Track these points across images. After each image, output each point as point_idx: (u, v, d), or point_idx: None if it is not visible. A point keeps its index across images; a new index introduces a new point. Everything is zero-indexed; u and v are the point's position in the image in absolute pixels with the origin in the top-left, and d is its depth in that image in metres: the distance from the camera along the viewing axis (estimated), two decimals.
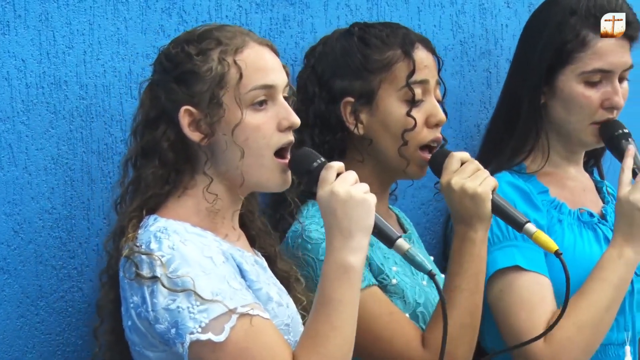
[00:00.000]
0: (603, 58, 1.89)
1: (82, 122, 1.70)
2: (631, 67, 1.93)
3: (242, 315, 1.43)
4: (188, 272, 1.43)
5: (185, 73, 1.52)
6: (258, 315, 1.45)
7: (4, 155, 1.62)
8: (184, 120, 1.51)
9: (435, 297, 1.77)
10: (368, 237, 1.48)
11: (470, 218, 1.68)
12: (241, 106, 1.51)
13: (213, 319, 1.41)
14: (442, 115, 1.77)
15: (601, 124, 1.91)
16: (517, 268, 1.84)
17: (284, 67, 1.58)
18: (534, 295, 1.83)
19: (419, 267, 1.49)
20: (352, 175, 1.49)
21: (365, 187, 1.49)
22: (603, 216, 1.99)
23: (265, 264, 1.62)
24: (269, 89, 1.53)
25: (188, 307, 1.42)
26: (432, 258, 1.91)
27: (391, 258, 1.78)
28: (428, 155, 1.77)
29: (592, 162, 2.08)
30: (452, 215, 1.73)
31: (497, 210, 1.69)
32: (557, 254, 1.64)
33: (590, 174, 2.07)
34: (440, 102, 1.80)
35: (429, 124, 1.76)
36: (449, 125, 2.01)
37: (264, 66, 1.53)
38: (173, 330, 1.43)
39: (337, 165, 1.51)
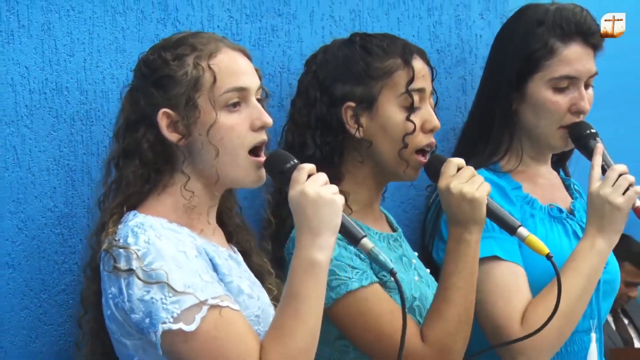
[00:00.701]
0: (570, 65, 1.92)
1: (82, 125, 1.72)
2: (596, 74, 1.95)
3: (213, 306, 1.45)
4: (162, 265, 1.45)
5: (163, 78, 1.54)
6: (228, 306, 1.46)
7: (8, 156, 1.64)
8: (162, 122, 1.54)
9: (428, 293, 1.79)
10: (335, 235, 1.50)
11: (467, 221, 1.70)
12: (215, 108, 1.53)
13: (185, 309, 1.44)
14: (436, 122, 1.80)
15: (570, 126, 1.93)
16: (495, 258, 1.85)
17: (257, 70, 1.60)
18: (510, 284, 1.85)
19: (382, 265, 1.50)
20: (322, 176, 1.51)
21: (334, 188, 1.51)
22: (571, 211, 2.01)
23: (240, 258, 1.64)
24: (242, 91, 1.55)
25: (161, 299, 1.44)
26: (416, 254, 1.92)
27: (388, 256, 1.80)
28: (423, 159, 1.79)
29: (559, 165, 2.09)
30: (448, 217, 1.74)
31: (492, 214, 1.72)
32: (548, 257, 1.66)
33: (557, 172, 2.09)
34: (433, 110, 1.82)
35: (424, 129, 1.78)
36: None
37: (237, 70, 1.55)
38: (147, 320, 1.45)
39: (309, 166, 1.52)
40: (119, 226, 1.52)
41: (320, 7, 2.00)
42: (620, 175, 1.86)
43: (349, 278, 1.69)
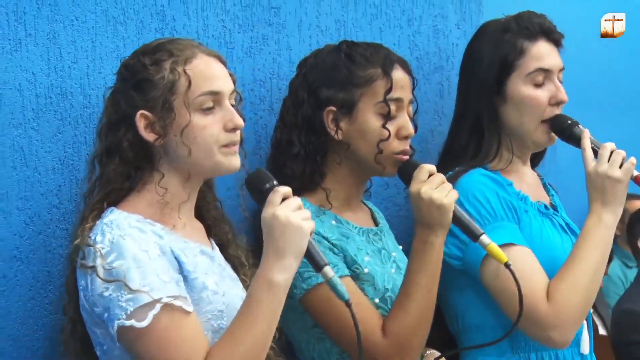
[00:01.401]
0: (541, 59, 1.95)
1: (85, 128, 1.73)
2: (563, 68, 1.98)
3: (167, 304, 1.46)
4: (122, 264, 1.47)
5: (142, 81, 1.56)
6: (181, 307, 1.48)
7: (16, 157, 1.66)
8: (140, 123, 1.56)
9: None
10: (299, 259, 1.50)
11: (434, 224, 1.72)
12: (190, 110, 1.54)
13: (138, 307, 1.45)
14: (411, 130, 1.82)
15: (551, 121, 1.96)
16: (509, 245, 1.85)
17: (231, 75, 1.61)
18: (528, 266, 1.85)
19: (337, 294, 1.49)
20: (295, 201, 1.51)
21: (305, 213, 1.51)
22: (554, 207, 2.04)
23: (214, 253, 1.64)
24: (216, 95, 1.56)
25: (117, 296, 1.46)
26: (400, 247, 1.94)
27: (364, 249, 1.82)
28: (404, 157, 1.81)
29: (532, 161, 2.09)
30: (416, 219, 1.75)
31: (457, 220, 1.74)
32: (506, 265, 1.69)
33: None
34: (412, 118, 1.84)
35: (399, 136, 1.81)
36: None
37: (211, 74, 1.57)
38: (106, 315, 1.48)
39: (284, 190, 1.52)
40: (97, 222, 1.54)
41: (308, 17, 2.03)
42: (612, 151, 1.89)
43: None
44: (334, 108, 1.81)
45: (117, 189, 1.58)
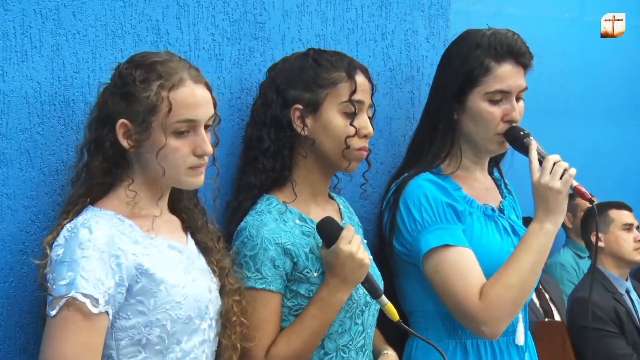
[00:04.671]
0: (503, 81, 1.96)
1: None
2: (525, 89, 1.99)
3: (72, 299, 1.47)
4: (60, 257, 1.50)
5: (129, 93, 1.58)
6: (85, 305, 1.47)
7: (23, 159, 1.66)
8: (120, 129, 1.58)
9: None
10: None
11: (346, 279, 1.74)
12: (166, 133, 1.56)
13: (55, 297, 1.48)
14: (370, 129, 1.84)
15: (506, 131, 1.97)
16: (446, 246, 1.89)
17: (214, 98, 1.62)
18: (463, 265, 1.88)
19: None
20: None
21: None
22: (501, 210, 2.05)
23: (184, 248, 1.64)
24: (192, 122, 1.58)
25: (51, 285, 1.51)
26: (365, 241, 1.94)
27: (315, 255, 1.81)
28: (364, 153, 1.84)
29: (493, 164, 2.13)
30: (335, 274, 1.74)
31: (366, 279, 1.76)
32: (398, 322, 1.76)
33: (491, 173, 2.13)
34: (371, 121, 1.86)
35: (360, 134, 1.83)
36: (380, 136, 2.13)
37: (193, 103, 1.58)
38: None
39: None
40: (74, 219, 1.56)
41: (290, 32, 2.03)
42: (554, 163, 1.89)
43: (255, 278, 1.75)
44: (300, 106, 1.82)
45: (99, 184, 1.61)
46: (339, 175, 2.01)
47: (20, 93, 1.66)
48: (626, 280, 3.39)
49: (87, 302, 1.50)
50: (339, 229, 1.75)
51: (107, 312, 1.52)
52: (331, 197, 1.97)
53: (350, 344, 1.83)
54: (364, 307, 1.84)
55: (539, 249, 1.90)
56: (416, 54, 2.26)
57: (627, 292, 3.36)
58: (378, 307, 1.86)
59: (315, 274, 1.79)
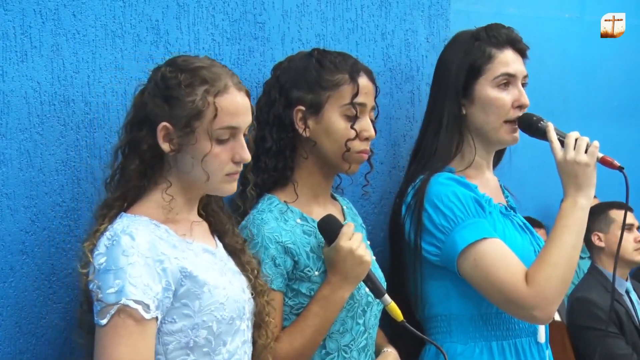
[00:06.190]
0: (507, 65, 1.97)
1: (86, 132, 1.74)
2: (527, 76, 2.00)
3: (124, 307, 1.46)
4: (105, 265, 1.50)
5: (172, 97, 1.56)
6: (137, 311, 1.46)
7: (22, 159, 1.67)
8: (161, 133, 1.56)
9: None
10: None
11: (347, 275, 1.74)
12: (211, 139, 1.56)
13: (103, 307, 1.48)
14: (372, 132, 1.84)
15: (518, 120, 1.97)
16: (481, 240, 1.86)
17: (252, 107, 1.63)
18: (502, 254, 1.86)
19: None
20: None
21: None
22: (512, 209, 2.05)
23: (216, 250, 1.64)
24: (234, 129, 1.58)
25: (98, 294, 1.49)
26: (369, 242, 1.95)
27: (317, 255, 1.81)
28: (365, 155, 1.84)
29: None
30: (337, 272, 1.74)
31: (368, 277, 1.76)
32: (402, 323, 1.74)
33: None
34: (373, 123, 1.86)
35: (361, 137, 1.82)
36: (381, 135, 2.10)
37: (236, 111, 1.58)
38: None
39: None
40: (109, 227, 1.55)
41: (290, 32, 2.03)
42: (576, 139, 1.89)
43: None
44: (302, 108, 1.82)
45: (136, 186, 1.59)
46: (340, 176, 2.00)
47: (20, 93, 1.66)
48: (626, 280, 3.39)
49: (139, 308, 1.49)
50: (340, 226, 1.76)
51: (156, 318, 1.51)
52: (334, 198, 1.97)
53: (352, 344, 1.82)
54: (365, 307, 1.84)
55: (577, 225, 1.88)
56: (416, 54, 2.26)
57: (627, 292, 3.35)
58: (381, 307, 1.85)
59: (317, 273, 1.79)
